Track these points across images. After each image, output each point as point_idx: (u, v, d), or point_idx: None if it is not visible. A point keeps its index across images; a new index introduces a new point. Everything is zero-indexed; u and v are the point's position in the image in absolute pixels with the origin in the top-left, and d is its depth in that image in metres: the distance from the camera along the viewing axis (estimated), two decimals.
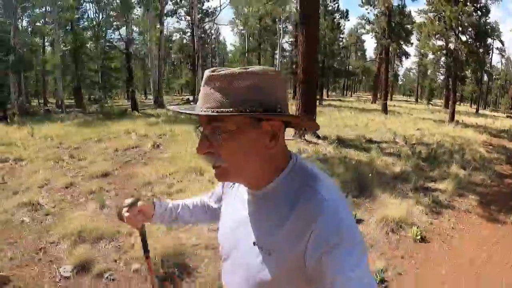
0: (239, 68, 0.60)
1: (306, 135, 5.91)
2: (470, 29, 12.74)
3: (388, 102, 27.99)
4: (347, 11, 24.19)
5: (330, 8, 22.26)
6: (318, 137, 6.25)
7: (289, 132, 6.08)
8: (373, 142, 7.14)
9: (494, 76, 40.32)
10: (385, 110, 17.41)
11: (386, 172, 4.49)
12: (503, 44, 32.01)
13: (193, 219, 0.99)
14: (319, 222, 0.58)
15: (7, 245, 2.72)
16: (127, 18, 17.28)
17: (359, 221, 2.83)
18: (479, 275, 2.37)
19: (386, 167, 4.74)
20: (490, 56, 32.06)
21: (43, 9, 24.80)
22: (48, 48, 27.59)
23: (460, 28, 12.05)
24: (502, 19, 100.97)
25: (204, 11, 25.58)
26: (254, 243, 0.67)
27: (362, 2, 19.67)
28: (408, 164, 5.03)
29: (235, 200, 0.77)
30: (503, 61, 45.74)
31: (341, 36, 26.91)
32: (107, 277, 2.12)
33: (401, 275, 2.26)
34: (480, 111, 28.10)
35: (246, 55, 28.20)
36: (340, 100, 27.80)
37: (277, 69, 0.64)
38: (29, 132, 8.24)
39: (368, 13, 23.07)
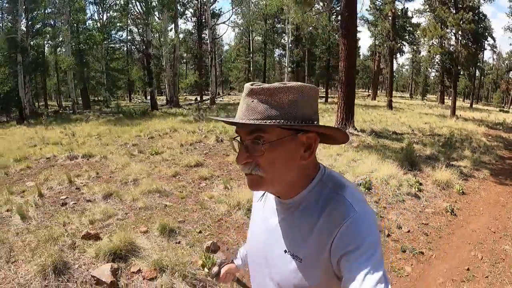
0: (279, 83, 0.64)
1: (348, 129, 7.40)
2: (468, 33, 14.33)
3: (378, 98, 29.78)
4: None
5: (334, 13, 23.72)
6: (356, 130, 7.75)
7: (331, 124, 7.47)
8: (397, 133, 8.66)
9: (486, 71, 42.40)
10: (390, 106, 19.00)
11: (421, 155, 6.01)
12: (494, 41, 33.77)
13: None
14: (343, 226, 0.61)
15: (190, 225, 2.97)
16: (148, 21, 18.36)
17: (420, 184, 4.31)
18: (503, 208, 3.89)
19: (419, 151, 6.26)
20: (482, 52, 33.82)
21: (51, 10, 25.39)
22: (47, 49, 28.00)
23: (460, 33, 13.64)
24: (494, 14, 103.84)
25: (212, 12, 26.83)
26: (285, 251, 0.70)
27: (369, 7, 21.24)
28: (434, 149, 6.56)
29: (264, 210, 0.79)
30: (495, 56, 48.00)
31: None
32: None
33: (460, 209, 3.76)
34: (474, 106, 30.01)
35: (252, 55, 29.55)
36: None
37: (312, 85, 0.69)
38: (64, 132, 8.63)
39: (374, 17, 24.58)
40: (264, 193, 0.82)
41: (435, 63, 32.01)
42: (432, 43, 13.51)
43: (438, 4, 14.47)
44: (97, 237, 2.57)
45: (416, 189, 4.03)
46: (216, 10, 26.28)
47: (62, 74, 27.67)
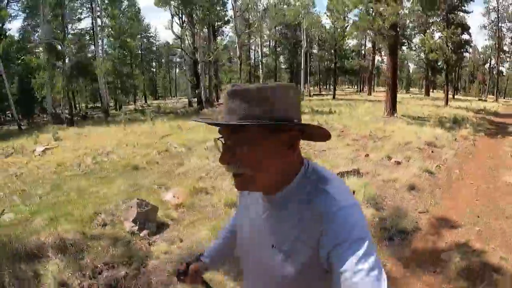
0: (259, 83, 0.66)
1: (394, 114, 11.69)
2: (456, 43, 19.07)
3: (373, 94, 34.50)
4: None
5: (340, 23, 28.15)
6: (395, 115, 12.05)
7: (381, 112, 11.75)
8: (420, 117, 13.00)
9: (463, 64, 48.00)
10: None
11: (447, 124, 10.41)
12: (470, 36, 39.34)
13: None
14: (329, 220, 0.64)
15: None
16: (196, 29, 21.78)
17: (455, 138, 8.60)
18: (492, 146, 8.26)
19: (445, 124, 10.64)
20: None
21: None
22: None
23: (450, 43, 18.33)
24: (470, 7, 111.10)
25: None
26: (272, 246, 0.72)
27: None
28: (450, 124, 10.96)
29: (250, 206, 0.82)
30: (470, 50, 53.93)
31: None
32: None
33: (473, 146, 8.12)
34: (455, 97, 35.25)
35: (264, 60, 33.63)
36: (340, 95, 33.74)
37: (293, 84, 0.71)
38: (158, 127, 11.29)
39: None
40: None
41: (421, 60, 37.03)
42: (430, 49, 18.00)
43: (434, 20, 19.10)
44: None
45: (454, 138, 8.34)
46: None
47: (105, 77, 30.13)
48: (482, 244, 2.99)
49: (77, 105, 31.28)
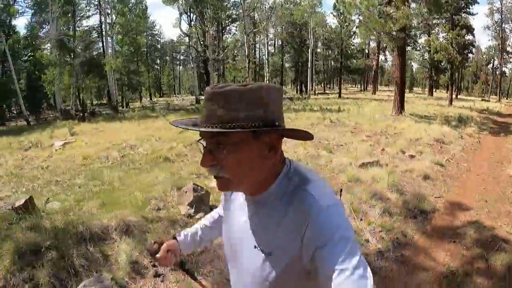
0: (238, 85, 0.65)
1: (402, 113, 12.21)
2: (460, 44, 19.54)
3: (377, 93, 35.02)
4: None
5: (347, 23, 28.61)
6: (403, 114, 12.57)
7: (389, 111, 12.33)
8: (426, 116, 13.52)
9: (466, 64, 48.36)
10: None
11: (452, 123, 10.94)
12: (474, 36, 39.75)
13: (215, 235, 1.05)
14: (312, 220, 0.64)
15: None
16: (207, 28, 22.35)
17: (461, 136, 9.12)
18: (496, 143, 8.80)
19: (451, 122, 11.17)
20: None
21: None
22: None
23: (455, 44, 18.80)
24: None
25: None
26: (255, 246, 0.73)
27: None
28: (455, 122, 11.48)
29: (235, 207, 0.82)
30: (474, 50, 54.21)
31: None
32: None
33: (478, 143, 8.65)
34: (458, 97, 35.70)
35: (270, 58, 34.10)
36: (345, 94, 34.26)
37: (275, 85, 0.71)
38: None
39: None
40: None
41: (425, 60, 37.47)
42: (436, 50, 18.46)
43: (439, 22, 19.55)
44: None
45: (460, 136, 8.87)
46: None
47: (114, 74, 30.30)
48: (491, 222, 3.54)
49: (83, 102, 31.57)
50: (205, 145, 0.69)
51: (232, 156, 0.66)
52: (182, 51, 61.69)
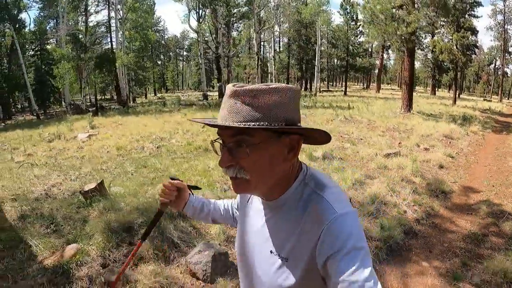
0: (262, 84, 0.65)
1: (411, 111, 12.99)
2: (465, 46, 20.26)
3: (381, 91, 35.82)
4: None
5: (353, 24, 29.28)
6: (411, 112, 13.35)
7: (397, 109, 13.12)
8: (432, 114, 14.30)
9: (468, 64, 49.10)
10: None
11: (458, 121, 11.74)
12: (477, 37, 40.51)
13: (221, 220, 1.07)
14: (326, 228, 0.63)
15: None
16: (221, 25, 22.86)
17: (466, 133, 9.92)
18: (499, 140, 9.61)
19: (457, 120, 11.96)
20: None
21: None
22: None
23: (459, 46, 19.52)
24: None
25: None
26: (271, 251, 0.72)
27: None
28: (460, 120, 12.28)
29: (251, 211, 0.82)
30: (476, 50, 54.83)
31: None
32: None
33: (483, 139, 9.46)
34: (460, 96, 36.49)
35: (279, 56, 34.76)
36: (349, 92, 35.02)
37: (295, 86, 0.69)
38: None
39: None
40: (250, 195, 0.84)
41: (428, 60, 38.16)
42: (441, 51, 19.19)
43: (445, 23, 20.27)
44: None
45: (466, 133, 9.67)
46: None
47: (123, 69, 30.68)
48: (499, 201, 4.34)
49: (96, 96, 32.07)
50: (224, 144, 0.69)
51: (253, 156, 0.65)
52: (186, 47, 62.30)
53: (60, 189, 4.27)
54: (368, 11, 11.79)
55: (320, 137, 0.71)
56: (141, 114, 15.75)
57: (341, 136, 7.94)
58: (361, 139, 7.92)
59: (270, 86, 0.64)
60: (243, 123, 0.63)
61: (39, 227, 3.09)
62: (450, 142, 8.28)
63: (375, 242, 2.95)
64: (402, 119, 11.40)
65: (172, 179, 1.01)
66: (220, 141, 0.70)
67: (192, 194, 1.05)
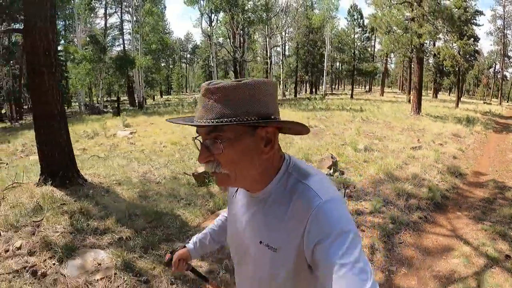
0: (233, 80, 0.66)
1: (420, 113, 14.48)
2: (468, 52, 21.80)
3: (384, 94, 37.46)
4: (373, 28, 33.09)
5: (360, 30, 30.84)
6: (420, 114, 14.84)
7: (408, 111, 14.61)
8: (438, 116, 15.79)
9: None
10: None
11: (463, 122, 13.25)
12: (477, 42, 42.20)
13: (224, 237, 1.08)
14: (312, 214, 0.65)
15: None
16: (236, 30, 24.32)
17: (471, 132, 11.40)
18: (500, 139, 11.11)
19: (462, 121, 13.46)
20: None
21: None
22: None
23: (462, 53, 21.04)
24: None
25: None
26: (260, 242, 0.74)
27: None
28: (464, 123, 13.78)
29: (238, 205, 0.84)
30: (476, 54, 56.53)
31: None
32: None
33: (486, 138, 10.95)
34: (461, 99, 38.05)
35: (286, 58, 36.28)
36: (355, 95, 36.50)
37: (269, 80, 0.71)
38: None
39: None
40: (236, 188, 0.86)
41: (429, 64, 39.73)
42: (445, 57, 20.72)
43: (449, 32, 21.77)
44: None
45: (471, 132, 11.16)
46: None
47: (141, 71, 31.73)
48: (502, 180, 5.82)
49: (117, 97, 33.32)
50: (201, 141, 0.71)
51: (228, 151, 0.68)
52: (189, 49, 63.81)
53: (154, 175, 5.02)
54: (384, 23, 13.29)
55: (295, 127, 0.73)
56: (167, 114, 16.87)
57: (367, 135, 9.41)
58: (385, 137, 9.39)
59: (241, 82, 0.66)
60: (215, 120, 0.65)
61: (168, 203, 3.68)
62: (458, 140, 9.76)
63: (425, 200, 4.40)
64: (414, 120, 12.89)
65: (171, 253, 1.13)
66: (200, 139, 0.72)
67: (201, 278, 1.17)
